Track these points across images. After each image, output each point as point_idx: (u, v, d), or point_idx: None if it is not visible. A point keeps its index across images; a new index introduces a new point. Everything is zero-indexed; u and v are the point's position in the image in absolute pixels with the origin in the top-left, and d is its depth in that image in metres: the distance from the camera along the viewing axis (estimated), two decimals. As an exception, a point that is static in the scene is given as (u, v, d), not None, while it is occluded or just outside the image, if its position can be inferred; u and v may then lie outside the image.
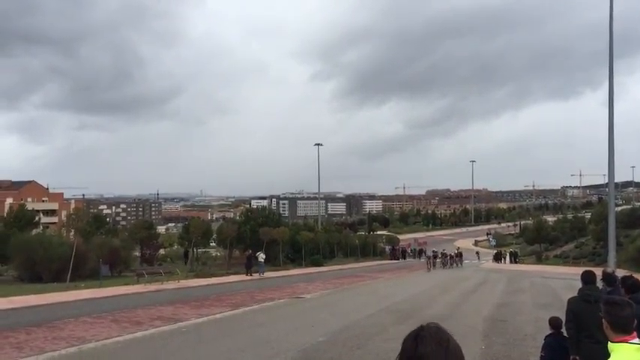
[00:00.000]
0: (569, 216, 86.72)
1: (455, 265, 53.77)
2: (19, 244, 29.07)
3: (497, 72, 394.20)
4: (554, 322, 6.70)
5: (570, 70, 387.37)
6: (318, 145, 76.13)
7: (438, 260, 51.95)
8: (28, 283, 25.22)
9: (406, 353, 1.91)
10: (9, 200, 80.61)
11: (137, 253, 44.48)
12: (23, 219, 42.53)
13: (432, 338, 1.89)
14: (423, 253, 57.77)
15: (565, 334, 6.44)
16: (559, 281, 32.33)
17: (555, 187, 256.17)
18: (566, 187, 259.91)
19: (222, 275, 34.69)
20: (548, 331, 6.86)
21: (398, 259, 66.82)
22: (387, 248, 78.31)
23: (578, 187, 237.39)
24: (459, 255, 58.53)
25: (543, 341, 6.68)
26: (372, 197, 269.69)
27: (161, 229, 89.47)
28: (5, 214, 45.86)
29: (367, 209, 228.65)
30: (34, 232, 39.40)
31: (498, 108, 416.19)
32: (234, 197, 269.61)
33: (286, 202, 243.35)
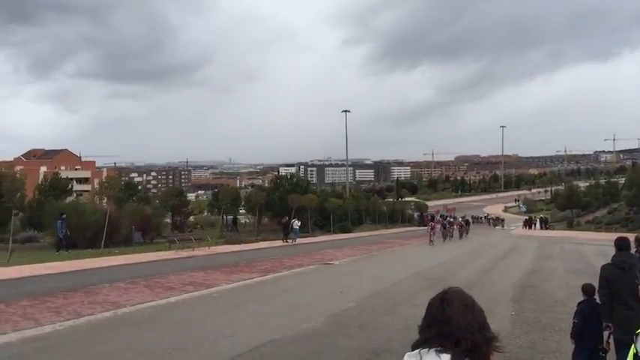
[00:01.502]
0: (602, 181, 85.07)
1: (462, 235, 45.14)
2: (53, 211, 29.80)
3: (532, 33, 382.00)
4: (587, 289, 6.60)
5: (608, 30, 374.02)
6: (346, 111, 75.89)
7: (454, 229, 45.06)
8: (63, 250, 25.89)
9: (432, 316, 1.92)
10: (43, 169, 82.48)
11: (168, 220, 45.25)
12: (58, 187, 43.52)
13: (457, 300, 1.92)
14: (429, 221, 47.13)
15: (598, 300, 6.36)
16: (591, 247, 31.91)
17: (588, 152, 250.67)
18: (599, 152, 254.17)
19: (251, 242, 35.12)
20: (579, 297, 6.78)
21: (426, 226, 66.67)
22: (416, 215, 78.18)
23: (612, 152, 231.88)
24: (467, 223, 51.09)
25: (576, 308, 6.60)
26: (400, 164, 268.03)
27: (191, 196, 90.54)
28: (40, 183, 46.94)
29: (395, 176, 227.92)
30: (67, 199, 40.31)
31: (532, 71, 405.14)
32: (262, 165, 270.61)
33: (314, 169, 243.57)
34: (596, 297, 6.37)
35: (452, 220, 48.44)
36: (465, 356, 1.78)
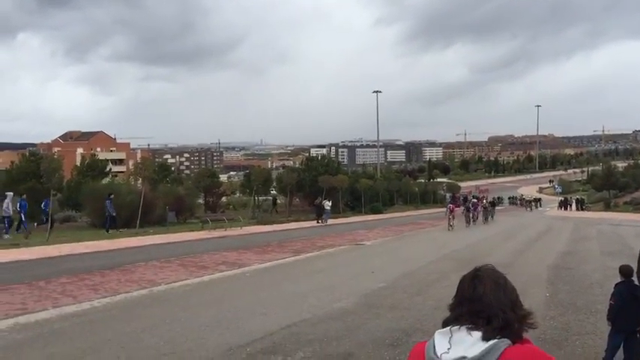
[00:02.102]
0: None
1: (487, 218, 39.13)
2: (90, 192, 30.50)
3: (571, 11, 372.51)
4: (625, 270, 6.47)
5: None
6: (377, 92, 75.24)
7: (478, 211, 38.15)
8: (101, 229, 26.52)
9: (463, 294, 1.92)
10: (79, 150, 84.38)
11: (201, 201, 45.85)
12: (96, 168, 44.49)
13: (489, 278, 1.91)
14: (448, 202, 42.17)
15: (636, 282, 6.23)
16: (629, 229, 31.27)
17: (626, 132, 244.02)
18: (638, 130, 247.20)
19: (282, 222, 35.38)
20: (616, 279, 6.65)
21: (459, 207, 66.11)
22: (448, 196, 77.54)
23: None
24: (492, 204, 46.12)
25: (613, 289, 6.48)
26: (432, 144, 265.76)
27: (223, 177, 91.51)
28: (78, 164, 48.02)
29: (427, 156, 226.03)
30: (104, 181, 41.14)
31: (570, 49, 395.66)
32: (293, 146, 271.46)
33: (345, 150, 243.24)
34: (634, 278, 6.25)
35: (475, 200, 40.71)
36: (496, 333, 1.77)
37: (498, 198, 71.11)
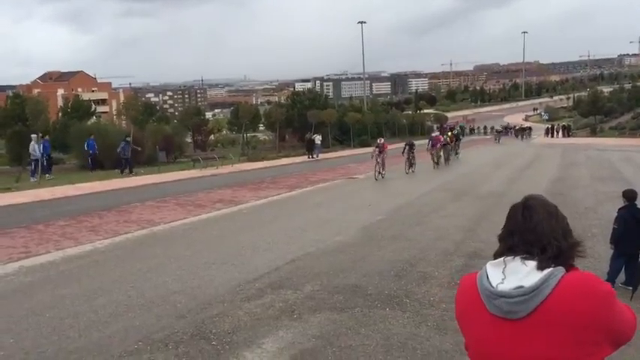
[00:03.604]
0: (627, 85, 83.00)
1: (447, 158, 28.62)
2: (78, 133, 30.11)
3: None
4: (628, 195, 6.57)
5: None
6: (362, 23, 73.71)
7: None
8: (86, 171, 26.35)
9: (515, 223, 1.90)
10: (60, 91, 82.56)
11: (189, 140, 45.49)
12: (80, 109, 43.73)
13: (541, 207, 1.89)
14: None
15: (639, 206, 6.34)
16: (616, 153, 31.66)
17: (612, 56, 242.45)
18: (624, 55, 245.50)
19: (273, 159, 35.31)
20: (608, 203, 6.83)
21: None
22: (435, 127, 77.53)
23: (637, 55, 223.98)
24: (456, 138, 33.25)
25: (616, 213, 6.60)
26: (418, 75, 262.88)
27: (208, 114, 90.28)
28: (61, 105, 47.15)
29: (413, 88, 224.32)
30: (89, 121, 40.52)
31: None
32: (277, 81, 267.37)
33: (330, 83, 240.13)
34: (638, 203, 6.35)
35: (436, 135, 28.52)
36: (551, 262, 1.77)
37: (503, 127, 68.49)
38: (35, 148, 22.63)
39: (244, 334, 5.61)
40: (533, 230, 1.84)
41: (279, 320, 5.98)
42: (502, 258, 1.85)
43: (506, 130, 65.73)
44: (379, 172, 21.62)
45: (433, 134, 28.77)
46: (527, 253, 1.81)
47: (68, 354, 5.22)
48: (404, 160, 23.91)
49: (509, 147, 44.44)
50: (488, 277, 1.83)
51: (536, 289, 1.72)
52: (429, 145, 26.65)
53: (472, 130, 78.01)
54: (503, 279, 1.79)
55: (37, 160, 22.73)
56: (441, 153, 27.29)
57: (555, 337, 1.69)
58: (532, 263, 1.78)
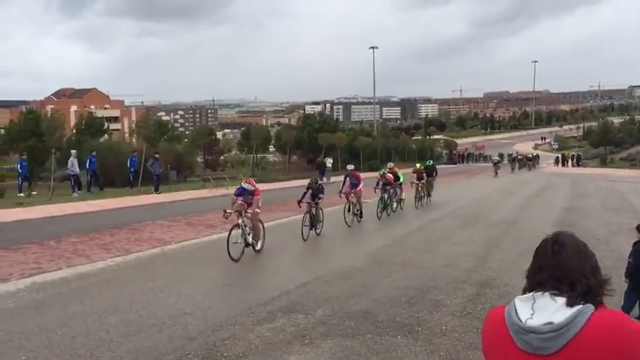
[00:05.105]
0: (637, 117, 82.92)
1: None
2: (91, 150, 30.32)
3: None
4: (643, 229, 6.54)
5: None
6: (373, 48, 74.36)
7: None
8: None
9: (544, 259, 1.91)
10: (74, 108, 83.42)
11: (200, 159, 45.74)
12: (94, 126, 44.13)
13: (570, 244, 1.90)
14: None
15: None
16: (626, 184, 31.49)
17: (622, 87, 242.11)
18: (634, 86, 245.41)
19: (283, 180, 35.40)
20: (620, 235, 6.80)
21: (456, 164, 66.30)
22: (445, 153, 77.65)
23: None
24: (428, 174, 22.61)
25: (631, 248, 6.56)
26: (427, 101, 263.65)
27: (218, 135, 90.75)
28: (72, 122, 47.65)
29: (423, 113, 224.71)
30: (101, 139, 40.86)
31: (572, 3, 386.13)
32: (288, 103, 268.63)
33: (340, 107, 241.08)
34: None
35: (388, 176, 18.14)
36: (580, 299, 1.78)
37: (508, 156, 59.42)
38: (74, 163, 23.06)
39: (256, 358, 5.60)
40: (562, 266, 1.86)
41: (290, 345, 5.96)
42: (531, 293, 1.86)
43: (512, 159, 53.50)
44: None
45: (349, 167, 19.43)
46: (556, 289, 1.82)
47: (80, 373, 5.23)
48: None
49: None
50: (517, 312, 1.84)
51: (565, 325, 1.73)
52: (342, 186, 17.07)
53: (482, 157, 77.42)
54: (532, 314, 1.80)
55: (76, 176, 23.09)
56: (383, 198, 17.43)
57: None
58: (561, 300, 1.79)
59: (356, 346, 5.89)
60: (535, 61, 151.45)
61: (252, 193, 11.69)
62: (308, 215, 13.22)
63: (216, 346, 5.91)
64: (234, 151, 62.06)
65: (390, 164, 20.06)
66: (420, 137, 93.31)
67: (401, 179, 19.05)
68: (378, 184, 17.62)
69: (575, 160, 62.39)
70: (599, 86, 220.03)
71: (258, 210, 11.59)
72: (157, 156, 25.88)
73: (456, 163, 66.87)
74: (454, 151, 76.75)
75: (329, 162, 37.62)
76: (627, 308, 6.41)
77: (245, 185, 11.67)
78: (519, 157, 54.17)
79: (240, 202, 11.48)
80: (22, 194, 22.12)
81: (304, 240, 12.56)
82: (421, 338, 6.19)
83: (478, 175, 43.14)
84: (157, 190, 24.98)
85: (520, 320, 1.81)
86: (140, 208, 19.26)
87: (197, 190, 27.31)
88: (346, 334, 6.29)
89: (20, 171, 23.73)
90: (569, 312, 1.75)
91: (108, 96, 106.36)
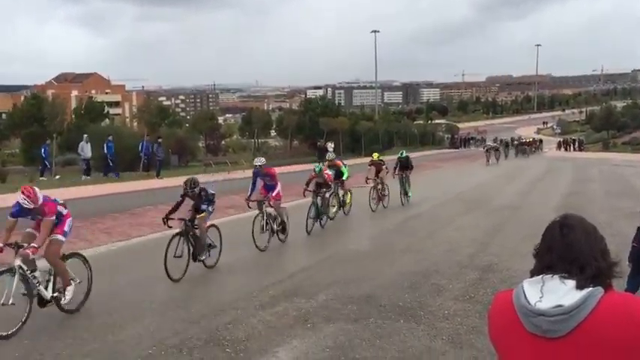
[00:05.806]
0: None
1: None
2: (92, 135, 30.26)
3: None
4: (648, 213, 6.50)
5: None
6: (375, 32, 73.88)
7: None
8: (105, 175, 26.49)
9: (553, 241, 1.88)
10: (74, 92, 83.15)
11: (201, 144, 45.67)
12: (93, 111, 44.02)
13: (579, 226, 1.87)
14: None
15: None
16: (629, 169, 31.41)
17: (625, 71, 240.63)
18: (637, 70, 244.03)
19: (283, 165, 35.31)
20: (622, 219, 6.75)
21: (458, 148, 66.13)
22: (447, 137, 77.44)
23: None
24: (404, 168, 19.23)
25: (636, 232, 6.52)
26: (429, 85, 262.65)
27: (219, 119, 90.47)
28: (73, 106, 47.55)
29: (424, 98, 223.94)
30: (102, 123, 40.79)
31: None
32: (289, 87, 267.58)
33: (342, 91, 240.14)
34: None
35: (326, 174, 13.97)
36: (589, 282, 1.75)
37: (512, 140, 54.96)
38: (85, 148, 23.20)
39: (258, 342, 5.60)
40: (572, 248, 1.82)
41: (293, 329, 5.96)
42: (540, 276, 1.83)
43: (506, 143, 47.58)
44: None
45: (257, 162, 12.33)
46: (565, 272, 1.79)
47: (82, 357, 5.23)
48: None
49: (521, 160, 43.75)
50: (525, 295, 1.81)
51: (575, 308, 1.70)
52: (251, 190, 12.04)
53: (484, 141, 76.60)
54: (541, 297, 1.77)
55: (87, 161, 23.15)
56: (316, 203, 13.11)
57: (597, 358, 1.67)
58: (571, 282, 1.76)
59: (358, 331, 5.89)
60: (538, 45, 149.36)
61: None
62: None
63: (218, 330, 5.91)
64: (235, 136, 61.96)
65: (333, 157, 15.51)
66: (421, 122, 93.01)
67: (345, 175, 14.87)
68: (308, 183, 13.50)
69: (577, 144, 62.21)
70: (602, 70, 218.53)
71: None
72: (160, 140, 25.88)
73: (457, 148, 66.67)
74: (455, 136, 76.51)
75: (330, 146, 37.49)
76: (630, 292, 6.39)
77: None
78: (515, 142, 51.93)
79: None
80: (43, 178, 22.37)
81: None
82: (424, 322, 6.19)
83: (479, 160, 42.66)
84: (158, 175, 24.98)
85: (529, 303, 1.78)
86: (142, 193, 19.27)
87: (199, 175, 27.23)
88: (349, 319, 6.29)
89: (44, 155, 23.84)
90: (579, 295, 1.72)
91: (109, 81, 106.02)
